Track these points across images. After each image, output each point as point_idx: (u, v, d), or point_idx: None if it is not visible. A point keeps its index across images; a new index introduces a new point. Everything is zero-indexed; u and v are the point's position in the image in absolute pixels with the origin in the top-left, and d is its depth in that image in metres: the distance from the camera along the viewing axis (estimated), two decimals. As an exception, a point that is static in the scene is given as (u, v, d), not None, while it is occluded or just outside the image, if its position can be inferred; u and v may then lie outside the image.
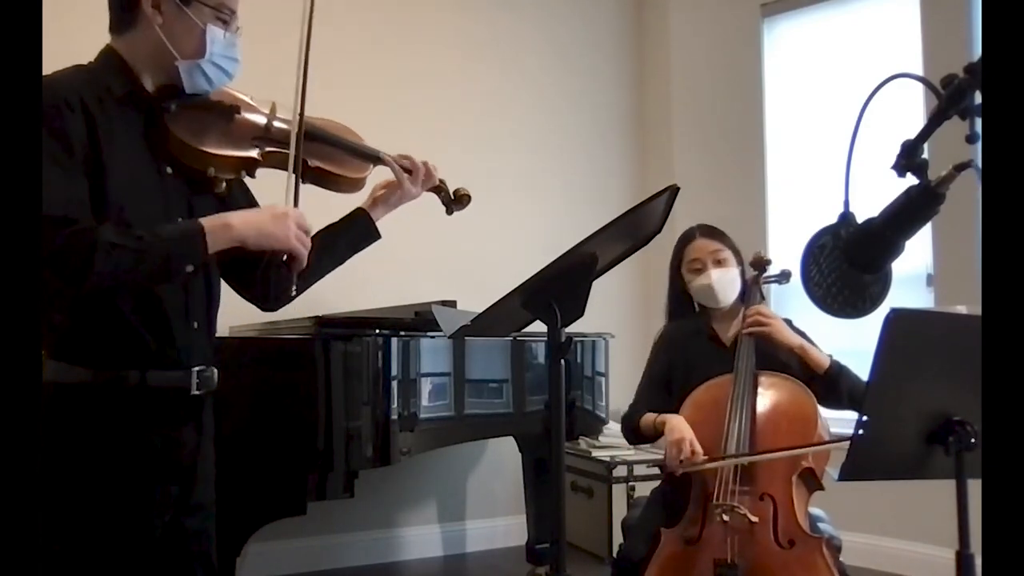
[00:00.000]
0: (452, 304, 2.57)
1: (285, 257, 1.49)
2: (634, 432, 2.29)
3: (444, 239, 3.79)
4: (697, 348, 2.33)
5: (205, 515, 1.56)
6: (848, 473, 1.33)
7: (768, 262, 2.37)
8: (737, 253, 2.34)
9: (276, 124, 1.57)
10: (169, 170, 1.47)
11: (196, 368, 1.48)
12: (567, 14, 4.55)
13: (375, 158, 1.70)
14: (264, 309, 1.75)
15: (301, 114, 1.53)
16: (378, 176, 1.78)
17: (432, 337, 2.61)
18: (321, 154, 1.61)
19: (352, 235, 1.73)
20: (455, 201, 1.80)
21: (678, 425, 2.08)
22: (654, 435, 2.23)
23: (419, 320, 2.56)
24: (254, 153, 1.52)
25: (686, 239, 2.36)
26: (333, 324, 2.42)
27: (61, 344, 1.39)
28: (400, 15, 4.04)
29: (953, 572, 1.31)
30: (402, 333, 2.51)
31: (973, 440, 1.29)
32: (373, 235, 1.76)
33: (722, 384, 2.13)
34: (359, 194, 1.76)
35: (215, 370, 1.54)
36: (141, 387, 1.40)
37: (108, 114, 1.39)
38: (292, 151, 1.51)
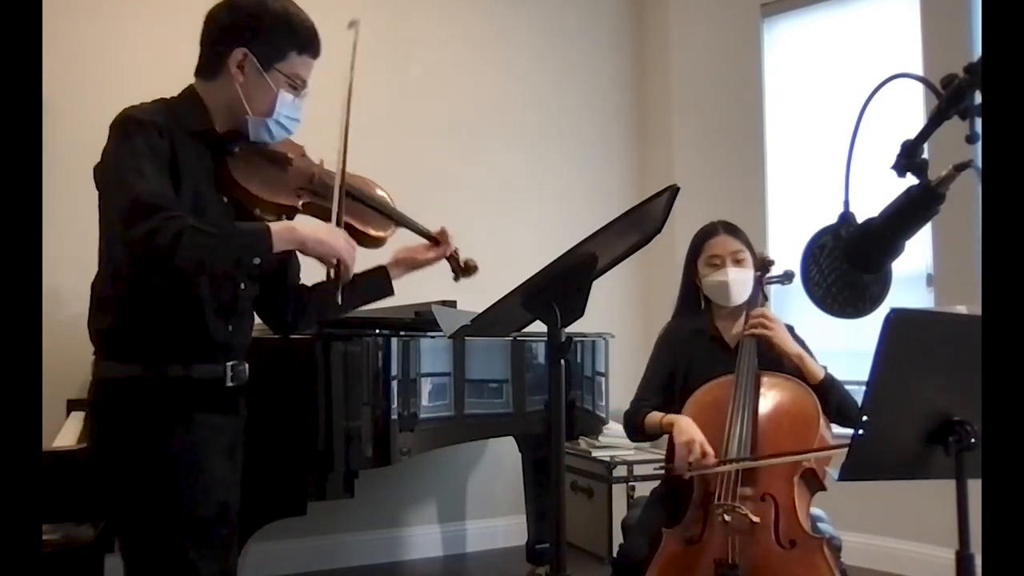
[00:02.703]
0: (452, 304, 2.57)
1: (332, 270, 1.65)
2: (637, 429, 2.27)
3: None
4: (700, 347, 2.32)
5: (235, 506, 1.68)
6: (848, 473, 1.33)
7: (771, 263, 2.38)
8: (754, 255, 2.34)
9: (320, 178, 1.75)
10: (225, 199, 1.66)
11: (230, 363, 1.64)
12: (567, 14, 4.55)
13: (402, 222, 1.87)
14: (276, 332, 1.94)
15: (343, 171, 1.70)
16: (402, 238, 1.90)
17: (432, 337, 2.61)
18: (353, 211, 1.77)
19: (368, 287, 1.90)
20: (464, 271, 1.97)
21: (688, 427, 2.06)
22: (658, 434, 2.22)
23: (419, 320, 2.56)
24: (296, 203, 1.70)
25: (708, 234, 2.34)
26: (333, 324, 2.41)
27: (112, 345, 1.57)
28: (399, 16, 4.04)
29: (953, 572, 1.31)
30: (402, 333, 2.51)
31: (973, 440, 1.29)
32: (387, 292, 1.94)
33: (723, 384, 2.13)
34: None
35: (247, 365, 1.70)
36: (185, 378, 1.56)
37: (185, 144, 1.58)
38: (335, 203, 1.68)
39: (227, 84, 1.63)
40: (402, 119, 3.97)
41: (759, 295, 2.32)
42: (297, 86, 1.67)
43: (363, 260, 1.82)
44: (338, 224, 1.67)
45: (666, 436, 2.21)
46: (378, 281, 1.91)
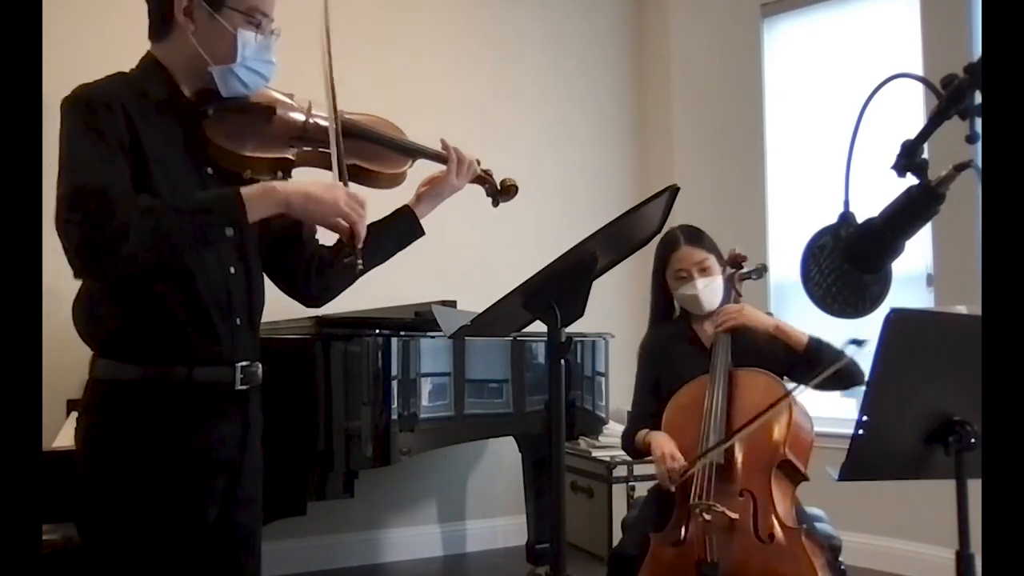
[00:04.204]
0: (452, 304, 2.57)
1: (341, 233, 1.46)
2: (637, 452, 2.32)
3: (444, 239, 3.77)
4: (679, 351, 2.33)
5: (254, 509, 1.59)
6: (848, 473, 1.33)
7: (744, 258, 2.36)
8: (719, 256, 2.33)
9: (313, 122, 1.58)
10: (209, 171, 1.50)
11: (240, 364, 1.50)
12: (567, 14, 4.55)
13: (414, 152, 1.70)
14: (308, 305, 1.77)
15: (335, 108, 1.53)
16: (422, 171, 1.78)
17: (432, 337, 2.61)
18: (358, 151, 1.61)
19: (396, 232, 1.73)
20: (501, 192, 1.79)
21: (660, 442, 2.13)
22: (647, 452, 2.26)
23: (419, 320, 2.56)
24: (289, 154, 1.54)
25: (671, 246, 2.33)
26: (333, 324, 2.42)
27: (109, 342, 1.44)
28: (398, 15, 4.04)
29: (953, 572, 1.31)
30: (402, 333, 2.51)
31: (973, 440, 1.29)
32: (417, 232, 1.76)
33: (700, 385, 2.15)
34: (402, 189, 1.76)
35: (259, 365, 1.56)
36: (187, 382, 1.44)
37: (148, 118, 1.42)
38: (333, 140, 1.50)
39: (181, 38, 1.46)
40: (400, 120, 3.96)
41: (731, 293, 2.32)
42: (257, 21, 1.48)
43: (384, 203, 1.70)
44: (340, 173, 1.48)
45: None
46: (405, 223, 1.73)
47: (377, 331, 2.45)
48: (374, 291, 3.25)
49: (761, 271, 2.40)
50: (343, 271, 1.63)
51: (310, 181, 1.45)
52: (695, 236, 2.33)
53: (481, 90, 4.25)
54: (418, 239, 1.77)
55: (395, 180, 1.69)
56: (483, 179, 1.79)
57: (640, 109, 4.78)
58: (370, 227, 1.68)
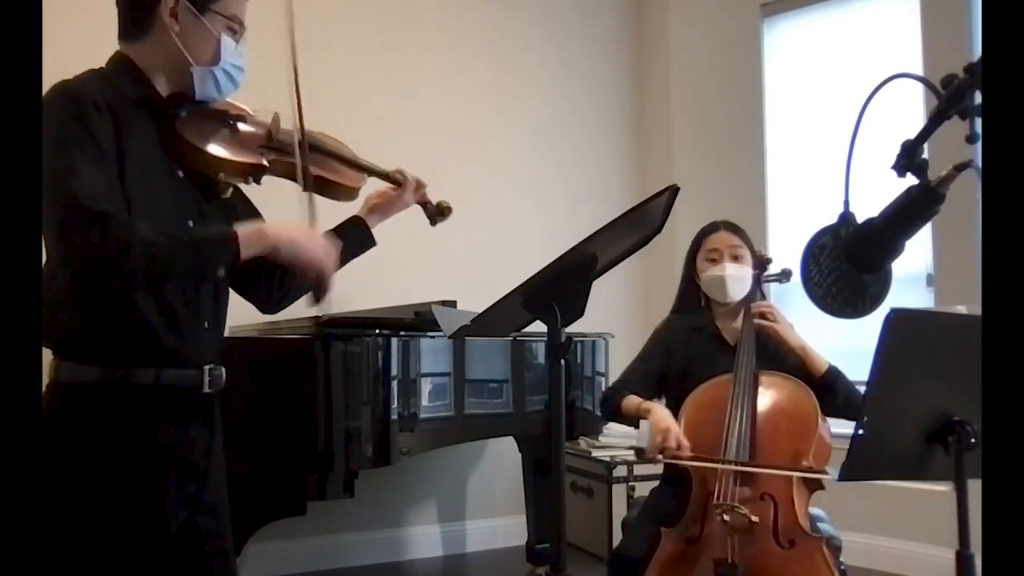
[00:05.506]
0: (452, 304, 2.57)
1: (313, 283, 1.54)
2: (612, 411, 2.28)
3: (444, 239, 3.77)
4: (699, 344, 2.32)
5: (220, 514, 1.58)
6: (848, 473, 1.33)
7: (769, 261, 2.38)
8: (754, 254, 2.35)
9: (280, 136, 1.62)
10: (181, 173, 1.51)
11: (207, 366, 1.51)
12: (567, 15, 4.55)
13: (368, 171, 1.77)
14: (264, 311, 1.79)
15: (302, 123, 1.59)
16: (369, 188, 1.83)
17: (432, 337, 2.61)
18: (322, 164, 1.66)
19: (349, 242, 1.75)
20: (439, 213, 1.88)
21: (666, 416, 2.09)
22: (634, 419, 2.23)
23: (419, 320, 2.56)
24: (262, 160, 1.56)
25: (709, 230, 2.37)
26: (333, 324, 2.42)
27: (72, 345, 1.42)
28: (398, 17, 4.04)
29: (953, 572, 1.31)
30: (402, 333, 2.51)
31: (973, 440, 1.29)
32: (369, 242, 1.81)
33: (722, 384, 2.13)
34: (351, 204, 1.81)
35: (223, 369, 1.57)
36: (155, 385, 1.43)
37: (128, 117, 1.43)
38: (299, 160, 1.56)
39: (162, 38, 1.46)
40: (400, 120, 3.97)
41: (757, 293, 2.33)
42: (235, 27, 1.52)
43: (336, 214, 1.77)
44: (304, 178, 1.55)
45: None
46: (357, 232, 1.78)
47: (377, 331, 2.45)
48: (374, 291, 3.27)
49: (788, 275, 2.40)
50: (300, 291, 1.71)
51: (293, 226, 1.51)
52: (735, 226, 2.37)
53: (480, 90, 4.24)
54: (368, 249, 1.81)
55: (353, 194, 1.74)
56: (424, 201, 1.88)
57: (640, 109, 4.78)
58: (323, 235, 1.72)
